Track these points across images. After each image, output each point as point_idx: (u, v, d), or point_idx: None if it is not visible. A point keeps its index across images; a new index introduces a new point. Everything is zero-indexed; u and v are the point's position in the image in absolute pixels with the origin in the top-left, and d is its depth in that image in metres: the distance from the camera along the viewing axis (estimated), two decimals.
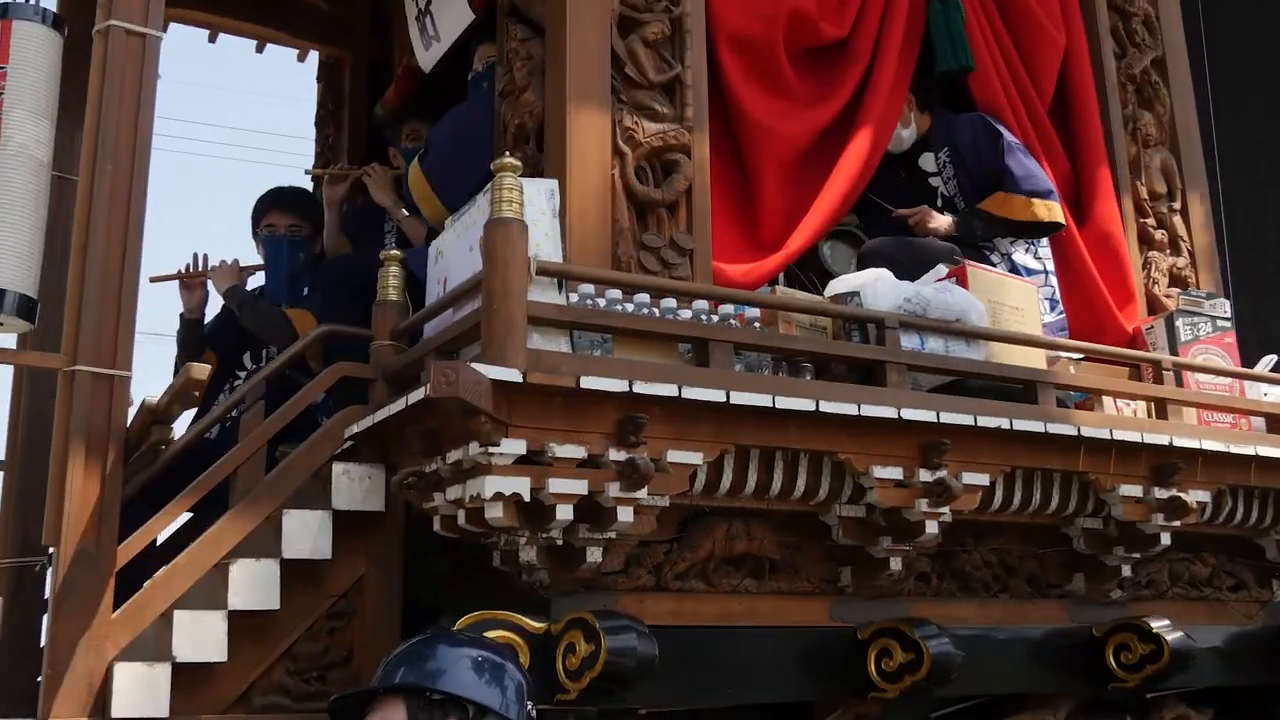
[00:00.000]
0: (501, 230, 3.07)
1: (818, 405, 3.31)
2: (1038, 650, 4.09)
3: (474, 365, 2.87)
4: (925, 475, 3.54)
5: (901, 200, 4.74)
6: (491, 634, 3.12)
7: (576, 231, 3.59)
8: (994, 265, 4.51)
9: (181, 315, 4.87)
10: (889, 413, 3.43)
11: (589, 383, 3.00)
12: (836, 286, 3.90)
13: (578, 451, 3.05)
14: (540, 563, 3.17)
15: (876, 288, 3.76)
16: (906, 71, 4.54)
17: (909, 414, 3.47)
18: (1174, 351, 4.58)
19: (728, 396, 3.18)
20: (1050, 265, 4.63)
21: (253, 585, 3.29)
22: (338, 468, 3.50)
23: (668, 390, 3.09)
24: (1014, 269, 4.55)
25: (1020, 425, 3.68)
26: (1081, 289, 4.72)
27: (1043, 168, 4.68)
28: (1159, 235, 4.99)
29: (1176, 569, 4.50)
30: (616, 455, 3.08)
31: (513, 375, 2.91)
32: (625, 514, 3.11)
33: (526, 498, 2.98)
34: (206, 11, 5.37)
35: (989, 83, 4.67)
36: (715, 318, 3.50)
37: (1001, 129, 4.55)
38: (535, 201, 3.25)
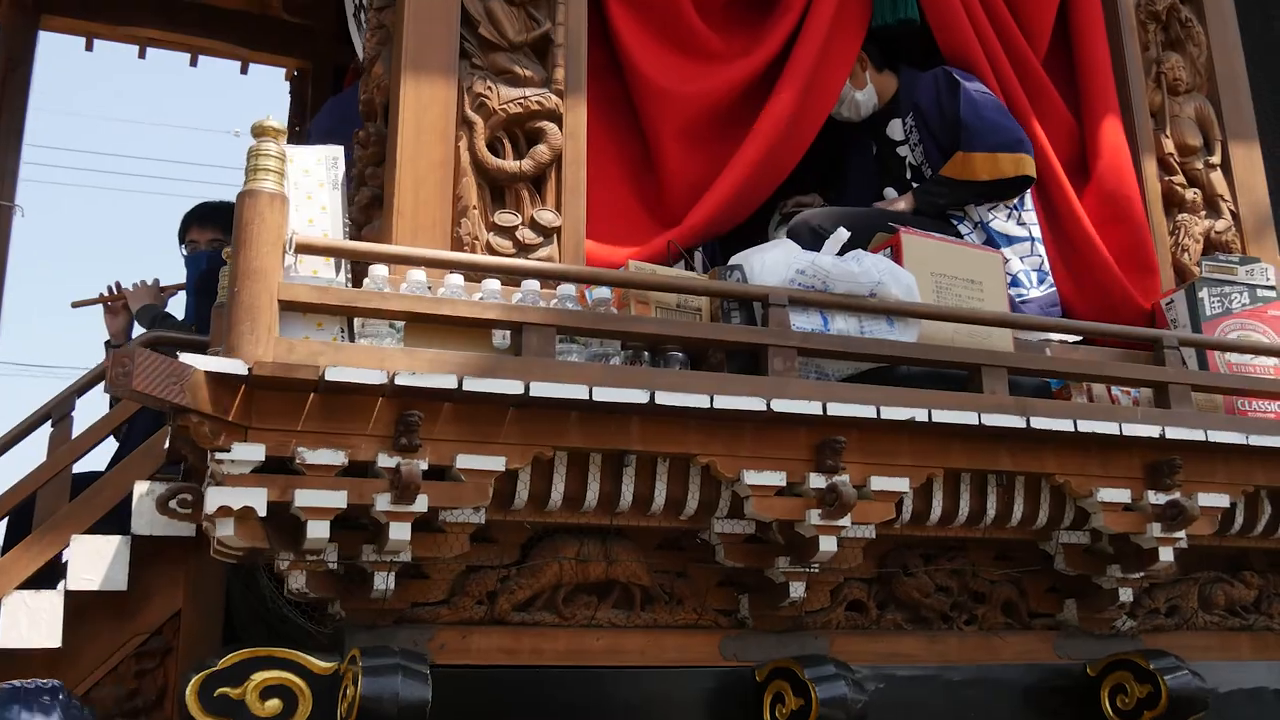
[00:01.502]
0: (249, 202, 2.63)
1: (652, 397, 2.74)
2: (1008, 693, 3.36)
3: (184, 356, 2.44)
4: (817, 481, 2.92)
5: (873, 177, 4.12)
6: (263, 676, 2.67)
7: (407, 211, 3.14)
8: (962, 236, 3.83)
9: (107, 342, 4.64)
10: (751, 404, 2.83)
11: (338, 374, 2.52)
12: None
13: (334, 457, 2.57)
14: (316, 590, 2.70)
15: (765, 259, 3.16)
16: (851, 24, 3.93)
17: (783, 406, 2.86)
18: (1196, 328, 3.78)
19: (527, 389, 2.64)
20: (1037, 232, 3.91)
21: (29, 620, 2.92)
22: (140, 488, 3.11)
23: (443, 383, 2.58)
24: (990, 239, 3.85)
25: (945, 417, 3.01)
26: (1083, 260, 3.98)
27: (1030, 122, 3.98)
28: (1190, 195, 4.19)
29: (1209, 592, 3.68)
30: (387, 462, 2.59)
31: (234, 367, 2.46)
32: (399, 530, 2.61)
33: (263, 512, 2.51)
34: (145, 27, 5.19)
35: (957, 30, 4.00)
36: (567, 301, 2.98)
37: (963, 80, 3.88)
38: (313, 171, 2.82)
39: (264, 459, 2.53)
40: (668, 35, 3.67)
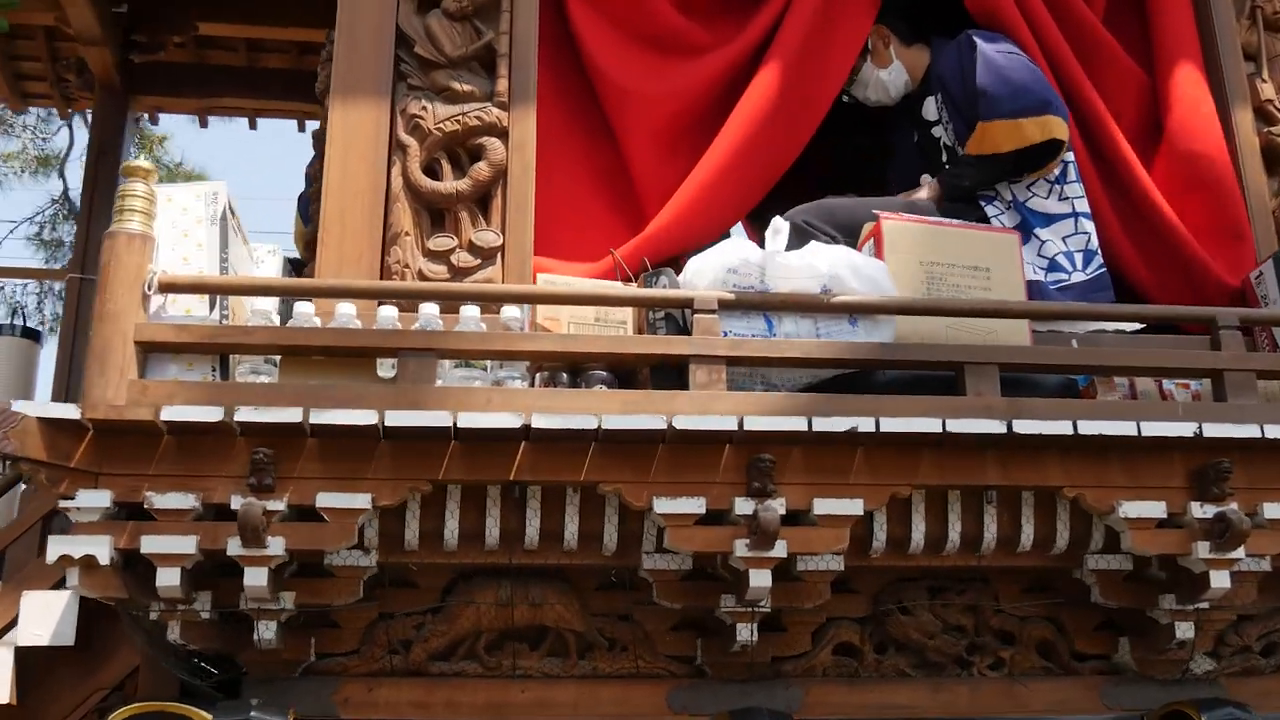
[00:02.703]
0: (108, 244, 2.57)
1: (529, 423, 2.47)
2: None
3: (16, 404, 2.38)
4: (744, 507, 2.55)
5: (917, 167, 3.67)
6: None
7: (333, 243, 3.02)
8: (989, 218, 3.33)
9: None
10: (648, 423, 2.50)
11: (174, 414, 2.40)
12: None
13: (185, 501, 2.44)
14: (195, 641, 2.58)
15: (703, 261, 2.83)
16: None
17: (690, 424, 2.52)
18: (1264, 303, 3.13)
19: (381, 419, 2.44)
20: (1083, 206, 3.34)
21: None
22: None
23: (286, 416, 2.42)
24: (1025, 220, 3.32)
25: (902, 426, 2.57)
26: (1154, 234, 3.40)
27: (1078, 81, 3.45)
28: None
29: None
30: (242, 502, 2.44)
31: (66, 412, 2.39)
32: (256, 577, 2.45)
33: (105, 560, 2.41)
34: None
35: None
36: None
37: (983, 42, 3.38)
38: (191, 209, 2.74)
39: (113, 505, 2.43)
40: (637, 30, 3.40)
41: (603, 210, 3.32)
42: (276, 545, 2.45)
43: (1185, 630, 2.79)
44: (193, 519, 2.46)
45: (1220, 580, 2.67)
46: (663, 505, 2.55)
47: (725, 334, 2.74)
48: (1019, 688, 2.87)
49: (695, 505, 2.55)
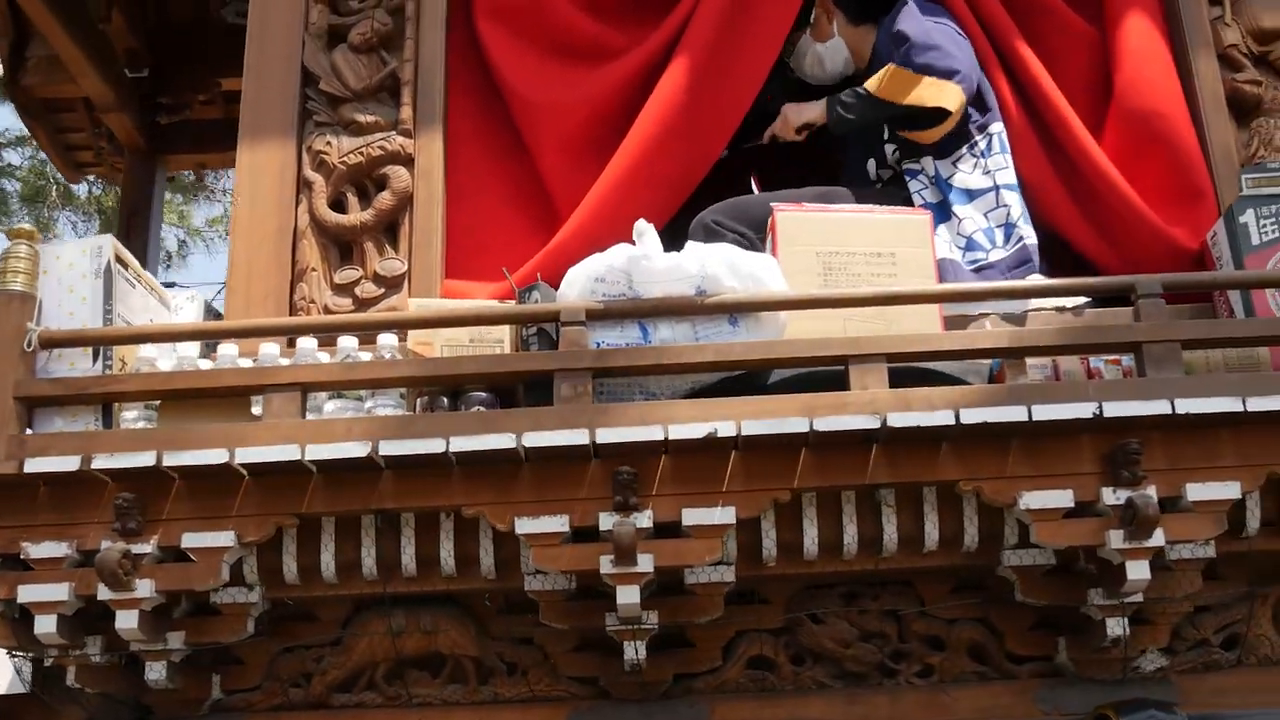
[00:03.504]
0: None
1: (375, 448, 2.46)
2: None
3: None
4: (608, 522, 2.48)
5: (861, 148, 3.51)
6: None
7: (240, 287, 3.09)
8: (911, 196, 3.16)
9: None
10: (498, 443, 2.46)
11: (38, 465, 2.49)
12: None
13: (59, 549, 2.52)
14: (92, 685, 2.66)
15: (575, 273, 2.76)
16: None
17: (540, 440, 2.46)
18: (1239, 264, 2.86)
19: (231, 455, 2.46)
20: (1005, 179, 3.13)
21: None
22: None
23: (141, 460, 2.47)
24: (945, 199, 3.14)
25: (766, 428, 2.46)
26: (1103, 202, 3.16)
27: (1012, 42, 3.25)
28: (1271, 93, 3.21)
29: None
30: (112, 548, 2.50)
31: None
32: (126, 620, 2.51)
33: None
34: None
35: None
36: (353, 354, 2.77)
37: (913, 3, 3.22)
38: (76, 264, 2.81)
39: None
40: (546, 42, 3.35)
41: (523, 228, 3.28)
42: (145, 588, 2.50)
43: (1116, 626, 2.57)
44: (69, 566, 2.53)
45: (1138, 571, 2.46)
46: (525, 525, 2.50)
47: (598, 344, 2.67)
48: (944, 695, 2.69)
49: (559, 524, 2.49)
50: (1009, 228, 3.07)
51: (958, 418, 2.43)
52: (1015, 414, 2.44)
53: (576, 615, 2.64)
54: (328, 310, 3.05)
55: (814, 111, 3.37)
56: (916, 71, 3.07)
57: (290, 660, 2.77)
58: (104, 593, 2.50)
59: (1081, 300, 2.97)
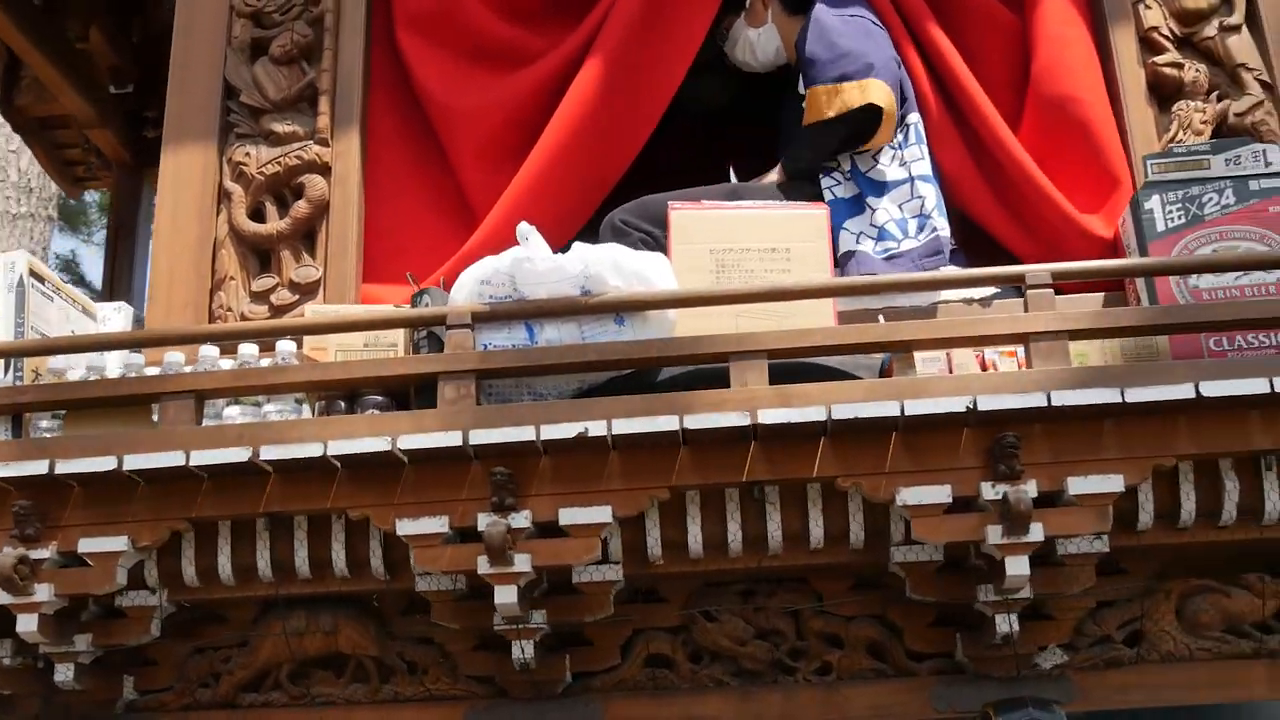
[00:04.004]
0: None
1: (256, 454, 2.50)
2: None
3: None
4: (485, 521, 2.50)
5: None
6: None
7: (161, 297, 3.17)
8: (824, 193, 3.14)
9: None
10: (375, 445, 2.49)
11: None
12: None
13: None
14: (8, 687, 2.74)
15: (464, 276, 2.79)
16: None
17: (415, 443, 2.49)
18: (1143, 251, 2.81)
19: (120, 462, 2.52)
20: (921, 169, 3.10)
21: None
22: None
23: (33, 469, 2.54)
24: (861, 192, 3.11)
25: (635, 427, 2.46)
26: (1019, 192, 3.13)
27: (927, 27, 3.21)
28: (1192, 75, 3.14)
29: (1195, 607, 2.67)
30: (14, 553, 2.57)
31: None
32: (27, 624, 2.57)
33: None
34: None
35: None
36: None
37: (823, 5, 3.20)
38: None
39: None
40: (464, 48, 3.38)
41: (443, 233, 3.31)
42: (45, 592, 2.57)
43: (1005, 623, 2.54)
44: None
45: (1017, 567, 2.42)
46: (406, 526, 2.53)
47: (485, 346, 2.69)
48: (838, 693, 2.68)
49: (439, 525, 2.52)
50: (922, 218, 3.05)
51: (829, 414, 2.42)
52: (888, 409, 2.42)
53: (466, 615, 2.66)
54: (243, 317, 3.11)
55: (774, 175, 3.34)
56: (835, 82, 3.05)
57: (200, 661, 2.83)
58: (3, 597, 2.57)
59: (990, 291, 2.94)
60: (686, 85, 4.39)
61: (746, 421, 2.44)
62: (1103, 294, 2.92)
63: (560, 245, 3.17)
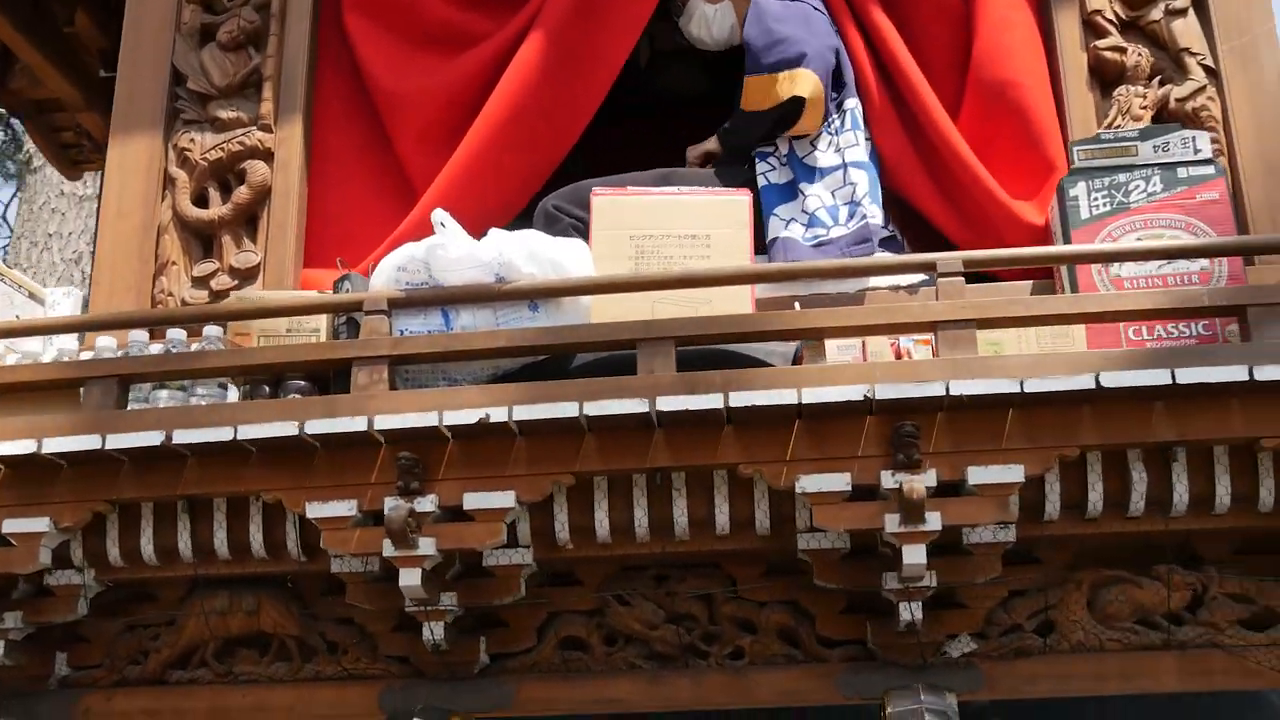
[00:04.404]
0: None
1: (169, 438, 2.55)
2: None
3: None
4: (391, 504, 2.54)
5: None
6: None
7: (105, 280, 3.23)
8: (756, 176, 3.14)
9: None
10: (281, 430, 2.53)
11: None
12: None
13: None
14: None
15: (383, 262, 2.82)
16: None
17: (321, 427, 2.53)
18: (1067, 239, 2.78)
19: (40, 446, 2.58)
20: (854, 156, 3.08)
21: None
22: None
23: None
24: (795, 177, 3.10)
25: (540, 413, 2.48)
26: (955, 180, 3.10)
27: (870, 11, 3.18)
28: (1134, 60, 3.09)
29: (1105, 597, 2.65)
30: None
31: None
32: None
33: None
34: None
35: None
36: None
37: None
38: None
39: None
40: (411, 31, 3.39)
41: (387, 217, 3.33)
42: None
43: (909, 611, 2.54)
44: None
45: (914, 555, 2.42)
46: (316, 509, 2.57)
47: (401, 332, 2.72)
48: (746, 678, 2.69)
49: (348, 508, 2.56)
50: (853, 205, 3.03)
51: (726, 401, 2.43)
52: (785, 397, 2.42)
53: (379, 597, 2.70)
54: (184, 303, 3.16)
55: (710, 144, 3.35)
56: (770, 72, 3.05)
57: (130, 639, 2.90)
58: None
59: (919, 279, 2.93)
60: (660, 73, 4.42)
61: (645, 409, 2.45)
62: (1030, 282, 2.89)
63: (504, 227, 3.20)
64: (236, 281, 3.17)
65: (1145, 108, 3.01)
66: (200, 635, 2.85)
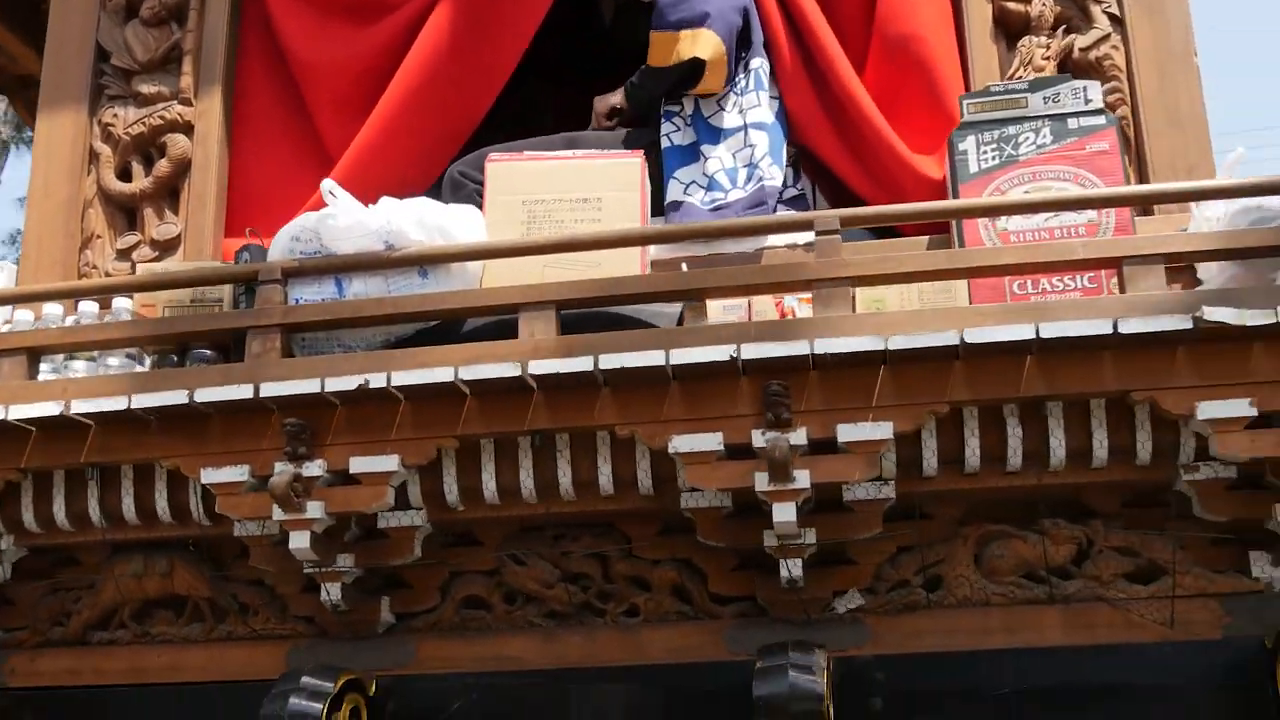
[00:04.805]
0: None
1: (68, 407, 2.63)
2: (646, 698, 2.70)
3: None
4: (281, 468, 2.60)
5: None
6: None
7: (33, 254, 3.32)
8: (660, 137, 3.14)
9: None
10: (172, 399, 2.60)
11: None
12: None
13: None
14: None
15: (280, 233, 2.87)
16: None
17: (212, 395, 2.59)
18: (955, 192, 2.77)
19: None
20: (756, 117, 3.08)
21: None
22: None
23: None
24: (698, 138, 3.11)
25: (409, 379, 2.53)
26: (861, 137, 3.09)
27: None
28: (1038, 11, 3.05)
29: (991, 552, 2.66)
30: None
31: None
32: None
33: None
34: None
35: None
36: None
37: None
38: None
39: None
40: (326, 2, 3.43)
41: (309, 187, 3.36)
42: None
43: (788, 568, 2.56)
44: None
45: (783, 513, 2.45)
46: (210, 475, 2.65)
47: (298, 301, 2.78)
48: (638, 635, 2.73)
49: (240, 473, 2.63)
50: (752, 168, 3.04)
51: (596, 364, 2.46)
52: (654, 359, 2.45)
53: (279, 560, 2.76)
54: (108, 275, 3.24)
55: (617, 97, 3.37)
56: (674, 30, 3.05)
57: (53, 601, 2.99)
58: None
59: (810, 237, 2.92)
60: (625, 27, 4.40)
61: (516, 372, 2.49)
62: (925, 238, 2.89)
63: (421, 193, 3.24)
64: (157, 254, 3.25)
65: (1048, 58, 2.99)
66: (118, 598, 2.94)
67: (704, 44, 3.00)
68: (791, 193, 3.11)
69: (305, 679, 2.58)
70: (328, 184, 2.78)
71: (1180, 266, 2.73)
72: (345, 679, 2.64)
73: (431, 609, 2.86)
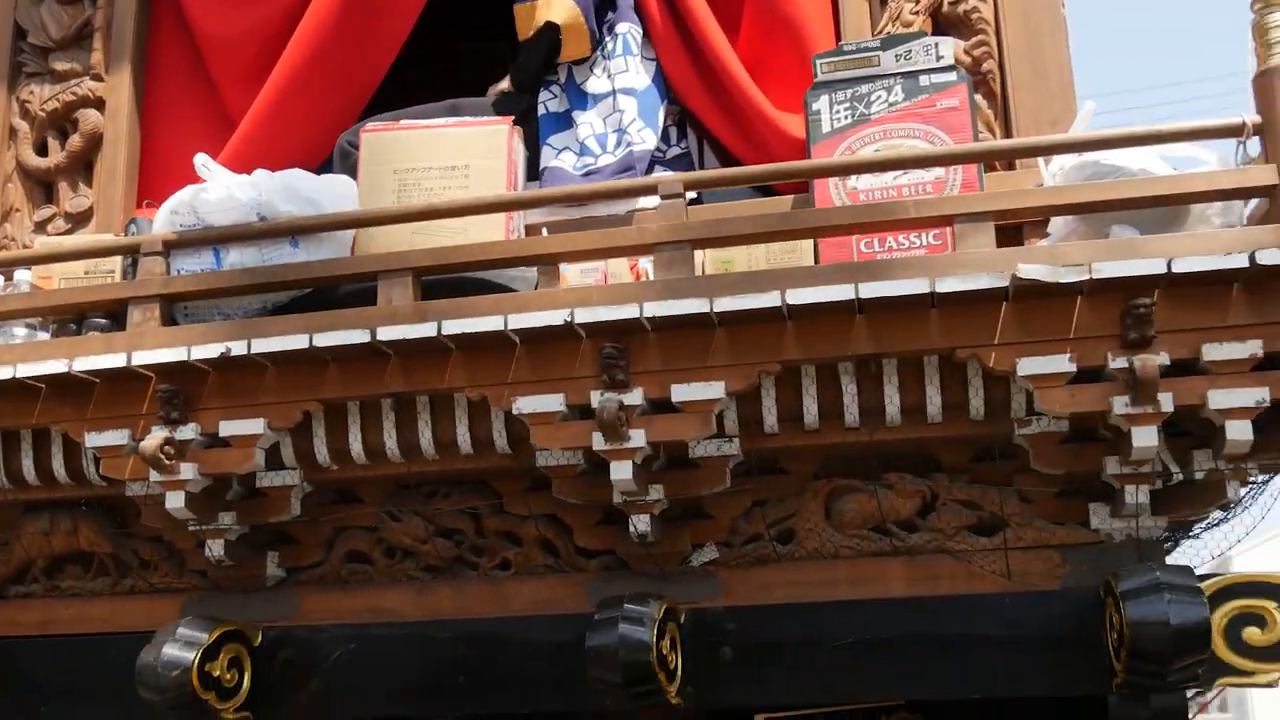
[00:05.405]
0: None
1: None
2: (510, 648, 2.81)
3: None
4: (159, 433, 2.73)
5: None
6: None
7: None
8: (539, 106, 3.20)
9: None
10: (52, 368, 2.74)
11: None
12: None
13: None
14: None
15: (163, 208, 2.98)
16: None
17: (89, 364, 2.73)
18: (809, 153, 2.81)
19: None
20: (624, 82, 3.12)
21: None
22: None
23: None
24: (569, 106, 3.16)
25: (266, 347, 2.64)
26: (731, 99, 3.12)
27: None
28: None
29: (838, 506, 2.73)
30: None
31: None
32: None
33: None
34: None
35: None
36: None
37: None
38: None
39: None
40: None
41: (215, 158, 3.50)
42: None
43: (638, 523, 2.65)
44: None
45: (620, 471, 2.53)
46: (93, 439, 2.79)
47: (178, 272, 2.90)
48: (504, 587, 2.85)
49: (121, 437, 2.77)
50: (620, 133, 3.09)
51: (440, 330, 2.55)
52: (492, 324, 2.53)
53: (165, 518, 2.90)
54: (25, 247, 3.38)
55: (505, 82, 3.42)
56: (529, 1, 3.10)
57: None
58: None
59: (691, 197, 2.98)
60: None
61: (367, 338, 2.59)
62: (792, 196, 2.93)
63: (317, 164, 3.34)
64: (71, 226, 3.38)
65: (917, 13, 2.99)
66: (28, 553, 3.11)
67: (557, 8, 3.05)
68: (675, 151, 3.16)
69: (180, 629, 2.72)
70: (200, 158, 2.89)
71: (1039, 222, 2.76)
72: (223, 630, 2.78)
73: (317, 564, 2.99)
